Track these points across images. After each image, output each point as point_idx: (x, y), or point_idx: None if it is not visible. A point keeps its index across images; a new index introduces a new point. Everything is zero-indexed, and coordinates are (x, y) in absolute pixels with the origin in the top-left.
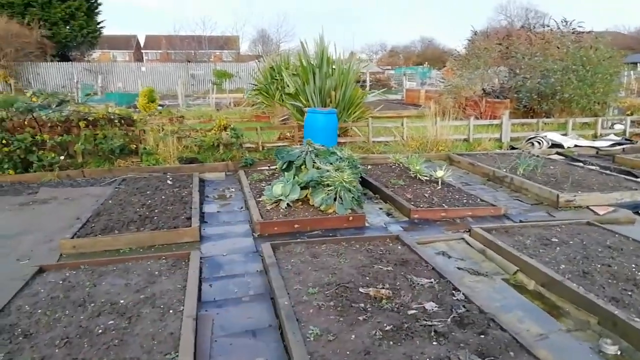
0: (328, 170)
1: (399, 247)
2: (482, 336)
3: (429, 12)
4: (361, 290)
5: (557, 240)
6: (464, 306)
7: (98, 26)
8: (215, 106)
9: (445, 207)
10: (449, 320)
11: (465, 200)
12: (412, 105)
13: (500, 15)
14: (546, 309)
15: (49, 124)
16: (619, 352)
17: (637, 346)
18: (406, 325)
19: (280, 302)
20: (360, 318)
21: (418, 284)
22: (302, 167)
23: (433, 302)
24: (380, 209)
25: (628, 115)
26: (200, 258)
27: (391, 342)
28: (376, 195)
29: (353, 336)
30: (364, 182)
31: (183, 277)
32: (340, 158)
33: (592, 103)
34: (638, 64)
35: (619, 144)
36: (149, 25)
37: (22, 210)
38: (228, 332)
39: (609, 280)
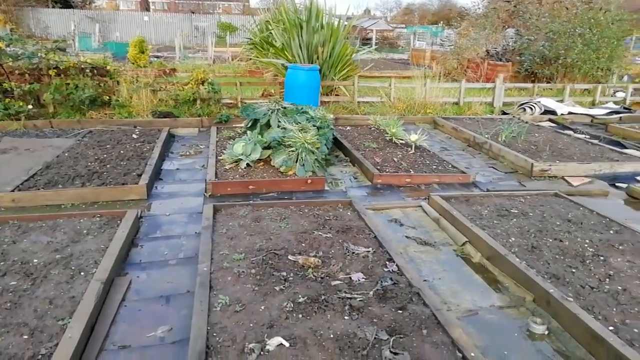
0: (292, 130)
1: (349, 213)
2: (400, 311)
3: None
4: (290, 257)
5: (516, 211)
6: (391, 278)
7: None
8: (214, 60)
9: (412, 172)
10: (371, 293)
11: (435, 166)
12: (416, 65)
13: None
14: (485, 283)
15: (17, 72)
16: (546, 332)
17: (566, 326)
18: (323, 298)
19: (199, 268)
20: (277, 288)
21: (353, 252)
22: (268, 126)
23: (362, 272)
24: (348, 172)
25: (637, 82)
26: (141, 217)
27: (300, 315)
28: (347, 158)
29: (263, 307)
30: (337, 144)
31: (110, 237)
32: (312, 118)
33: (595, 69)
34: None
35: (617, 112)
36: None
37: None
38: (141, 297)
39: (557, 256)
